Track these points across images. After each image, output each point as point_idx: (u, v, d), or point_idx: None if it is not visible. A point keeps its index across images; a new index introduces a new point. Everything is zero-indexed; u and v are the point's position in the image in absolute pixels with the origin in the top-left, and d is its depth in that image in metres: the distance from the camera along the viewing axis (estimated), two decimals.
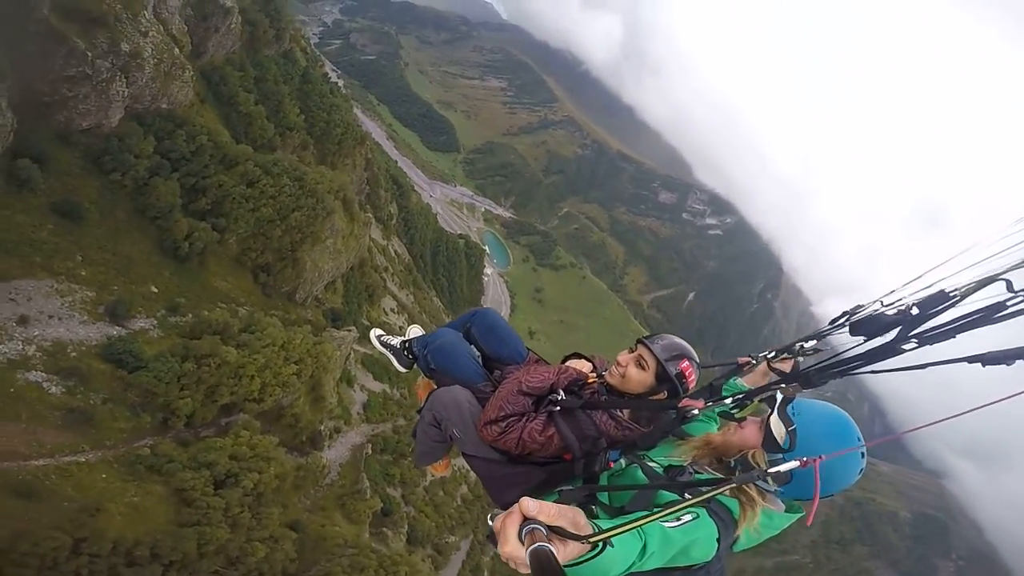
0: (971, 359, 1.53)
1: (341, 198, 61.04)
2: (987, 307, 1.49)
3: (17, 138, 33.40)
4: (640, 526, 1.60)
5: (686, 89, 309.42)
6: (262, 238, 50.55)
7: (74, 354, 28.50)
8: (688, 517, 1.95)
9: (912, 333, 1.66)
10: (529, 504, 1.29)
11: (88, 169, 37.54)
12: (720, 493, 1.88)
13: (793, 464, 1.97)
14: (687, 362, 2.75)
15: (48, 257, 31.42)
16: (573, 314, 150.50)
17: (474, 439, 3.00)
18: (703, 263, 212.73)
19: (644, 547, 1.71)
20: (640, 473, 2.42)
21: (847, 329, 2.17)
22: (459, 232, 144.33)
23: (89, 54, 37.58)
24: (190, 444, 30.79)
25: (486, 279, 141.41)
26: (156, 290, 37.18)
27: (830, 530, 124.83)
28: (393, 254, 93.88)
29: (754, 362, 2.98)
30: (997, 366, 1.49)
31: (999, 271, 1.54)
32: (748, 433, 2.29)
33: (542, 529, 1.21)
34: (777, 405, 2.15)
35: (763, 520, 2.16)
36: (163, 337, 33.98)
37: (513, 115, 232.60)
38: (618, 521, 1.78)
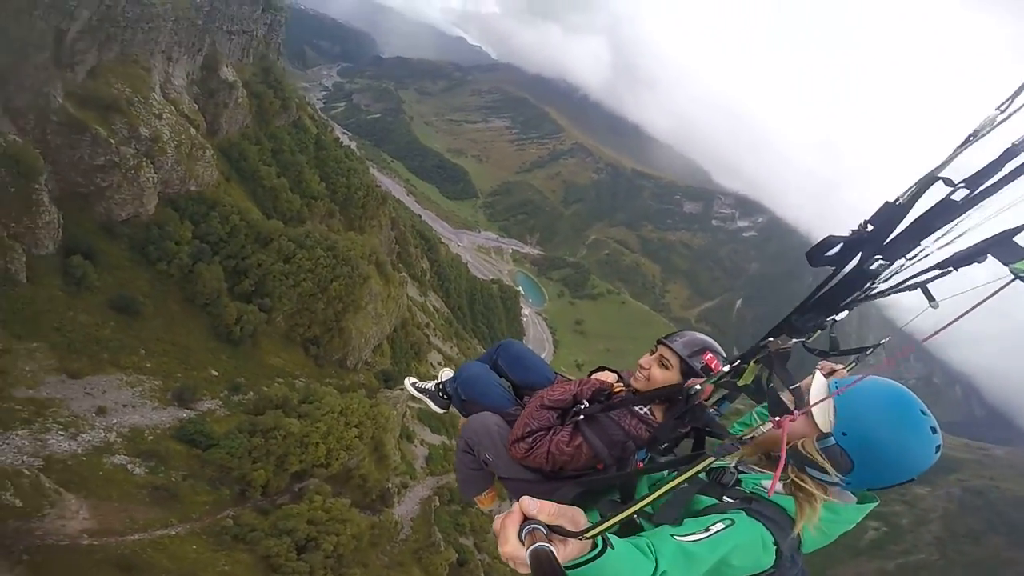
0: (940, 266, 1.46)
1: (374, 261, 63.17)
2: (936, 205, 1.37)
3: (65, 234, 36.94)
4: (631, 515, 1.47)
5: (685, 96, 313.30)
6: (307, 313, 52.84)
7: (151, 437, 30.74)
8: (719, 526, 1.77)
9: (876, 252, 1.52)
10: (529, 503, 1.29)
11: (136, 260, 40.92)
12: (701, 470, 1.63)
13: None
14: (710, 354, 2.72)
15: (114, 353, 34.36)
16: (619, 341, 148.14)
17: (506, 461, 3.01)
18: (744, 267, 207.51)
19: (656, 567, 1.55)
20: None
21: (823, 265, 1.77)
22: (491, 277, 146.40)
23: (112, 141, 40.81)
24: (269, 512, 31.89)
25: (524, 319, 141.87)
26: (216, 373, 39.55)
27: (953, 523, 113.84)
28: (432, 309, 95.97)
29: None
30: (969, 265, 1.40)
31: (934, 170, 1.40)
32: (793, 423, 2.01)
33: (542, 529, 1.22)
34: (773, 364, 1.88)
35: (826, 516, 1.93)
36: (229, 415, 35.88)
37: (523, 152, 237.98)
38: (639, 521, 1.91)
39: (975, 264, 1.41)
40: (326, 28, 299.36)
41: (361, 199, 75.68)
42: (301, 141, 70.04)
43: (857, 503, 2.06)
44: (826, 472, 1.95)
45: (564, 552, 1.23)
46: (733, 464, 2.18)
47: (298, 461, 36.75)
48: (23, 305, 32.53)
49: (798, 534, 1.90)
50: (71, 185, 39.62)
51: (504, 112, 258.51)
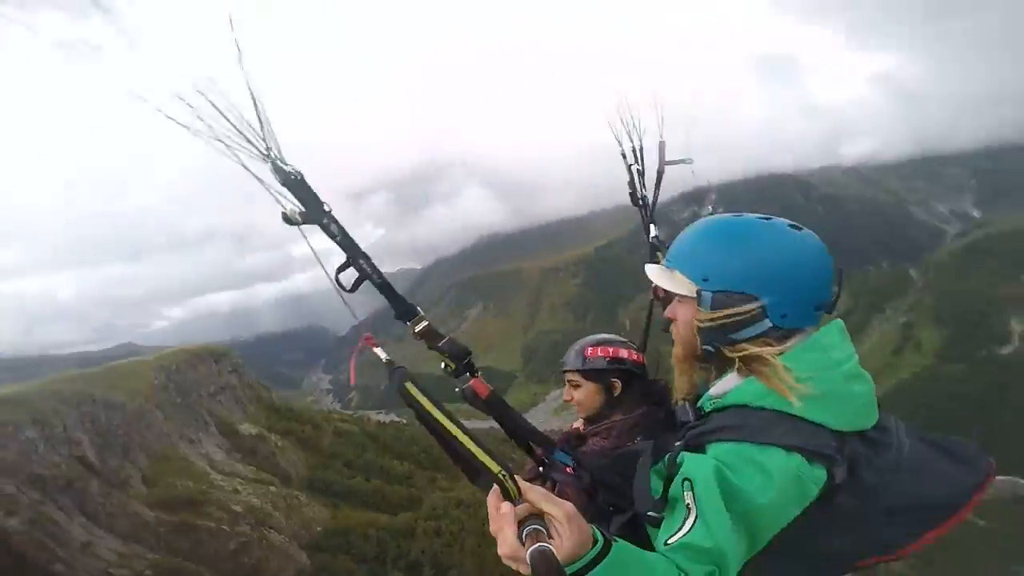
0: None
1: None
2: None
3: None
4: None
5: None
6: None
7: None
8: (691, 521, 1.22)
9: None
10: (527, 487, 1.17)
11: None
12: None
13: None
14: (591, 347, 2.57)
15: None
16: None
17: None
18: None
19: None
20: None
21: None
22: None
23: None
24: None
25: None
26: None
27: None
28: None
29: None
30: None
31: None
32: (677, 318, 1.60)
33: (543, 529, 1.16)
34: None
35: (809, 356, 1.37)
36: None
37: None
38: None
39: None
40: None
41: None
42: None
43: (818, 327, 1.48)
44: (746, 325, 1.40)
45: (563, 551, 1.11)
46: (685, 403, 1.61)
47: None
48: None
49: (794, 404, 1.29)
50: None
51: None
